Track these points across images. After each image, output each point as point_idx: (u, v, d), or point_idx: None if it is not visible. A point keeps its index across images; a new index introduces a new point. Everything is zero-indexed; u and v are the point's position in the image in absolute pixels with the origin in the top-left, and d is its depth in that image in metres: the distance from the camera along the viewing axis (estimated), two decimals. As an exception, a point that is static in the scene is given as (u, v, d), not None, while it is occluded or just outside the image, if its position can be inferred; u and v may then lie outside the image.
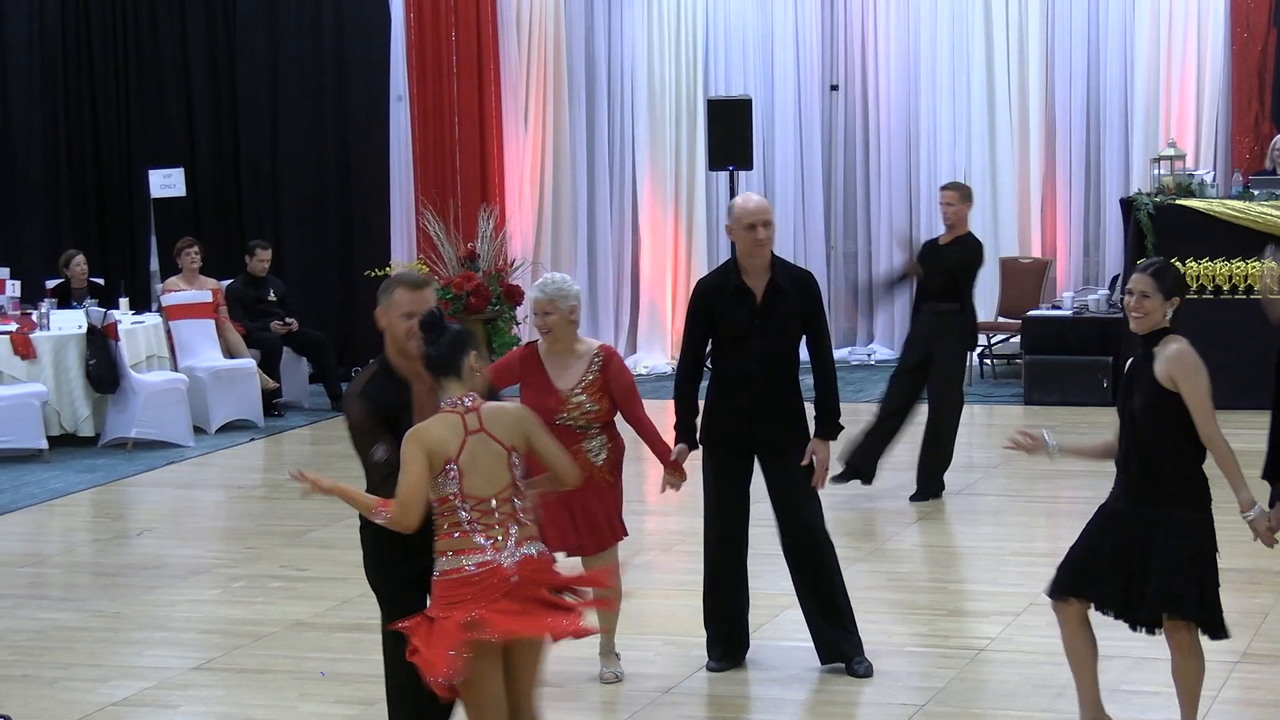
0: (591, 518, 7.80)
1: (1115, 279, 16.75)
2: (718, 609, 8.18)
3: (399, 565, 6.06)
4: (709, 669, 8.13)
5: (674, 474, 7.97)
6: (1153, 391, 6.55)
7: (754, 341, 7.90)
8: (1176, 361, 6.54)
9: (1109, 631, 7.98)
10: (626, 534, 8.02)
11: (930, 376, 11.90)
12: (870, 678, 7.95)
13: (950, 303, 11.80)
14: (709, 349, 8.14)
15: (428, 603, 5.91)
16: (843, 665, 8.07)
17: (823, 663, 8.12)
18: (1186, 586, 6.57)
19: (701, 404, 8.11)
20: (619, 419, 7.91)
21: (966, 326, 11.97)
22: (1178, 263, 15.15)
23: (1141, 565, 6.61)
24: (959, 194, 12.08)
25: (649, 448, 8.04)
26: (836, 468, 10.63)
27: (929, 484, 11.95)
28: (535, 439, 6.03)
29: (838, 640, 8.10)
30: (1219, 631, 6.68)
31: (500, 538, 5.82)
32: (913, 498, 11.92)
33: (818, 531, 8.06)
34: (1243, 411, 11.39)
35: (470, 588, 5.75)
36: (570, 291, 7.86)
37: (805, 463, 7.96)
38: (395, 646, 5.95)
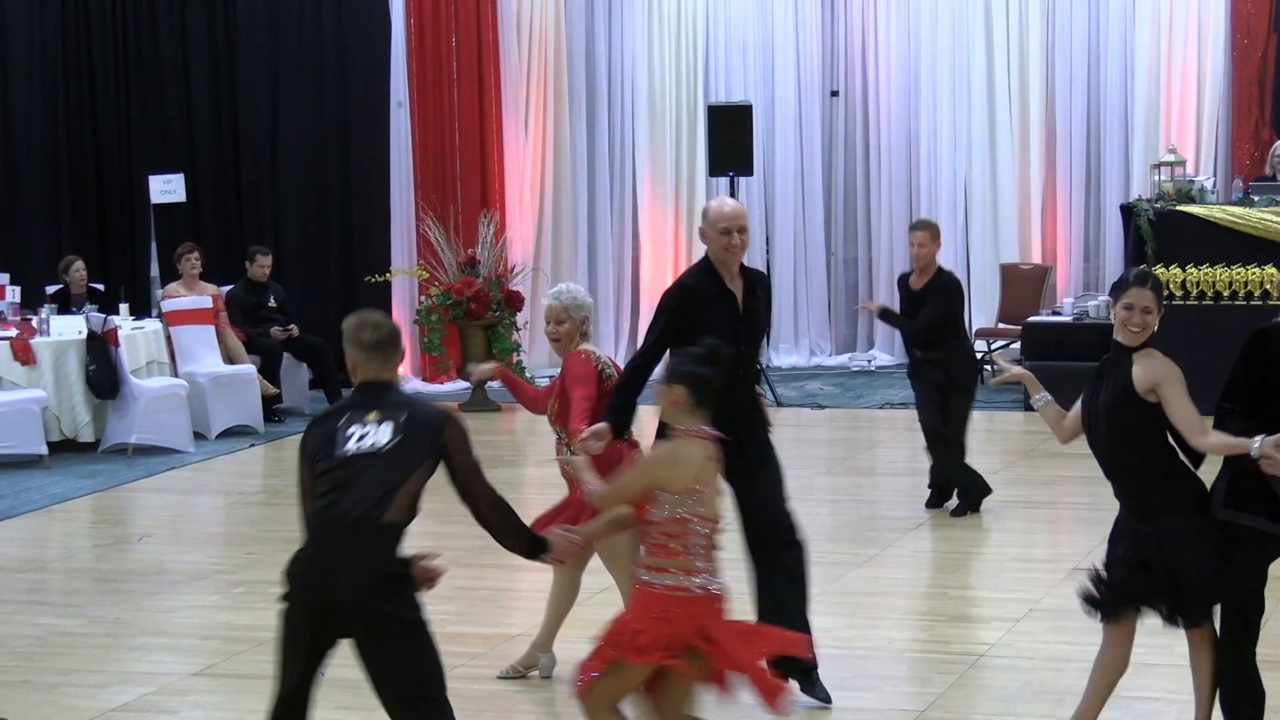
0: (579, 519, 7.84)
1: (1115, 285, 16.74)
2: None
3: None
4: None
5: (581, 443, 7.38)
6: (1121, 394, 6.54)
7: (740, 347, 7.61)
8: (1159, 369, 6.50)
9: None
10: None
11: (952, 405, 11.66)
12: (828, 703, 7.74)
13: (940, 350, 11.51)
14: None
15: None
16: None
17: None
18: (1202, 595, 6.58)
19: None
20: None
21: (967, 368, 11.83)
22: (1178, 269, 15.26)
23: (1159, 573, 6.58)
24: (929, 234, 11.62)
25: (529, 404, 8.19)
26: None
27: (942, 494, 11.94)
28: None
29: (793, 659, 7.68)
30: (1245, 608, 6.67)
31: (715, 563, 6.13)
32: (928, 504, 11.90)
33: (788, 536, 7.86)
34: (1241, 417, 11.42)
35: (693, 607, 6.01)
36: (585, 303, 7.94)
37: None
38: None
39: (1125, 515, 6.71)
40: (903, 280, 11.90)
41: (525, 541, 6.08)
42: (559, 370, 8.01)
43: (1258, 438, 6.29)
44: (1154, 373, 6.48)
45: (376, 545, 5.80)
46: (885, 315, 12.28)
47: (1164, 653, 8.36)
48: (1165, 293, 15.19)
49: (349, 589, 5.74)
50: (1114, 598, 6.74)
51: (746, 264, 7.90)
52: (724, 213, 7.74)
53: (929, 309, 11.47)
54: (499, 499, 5.95)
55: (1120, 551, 6.71)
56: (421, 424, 5.86)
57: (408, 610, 5.83)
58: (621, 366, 7.90)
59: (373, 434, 5.82)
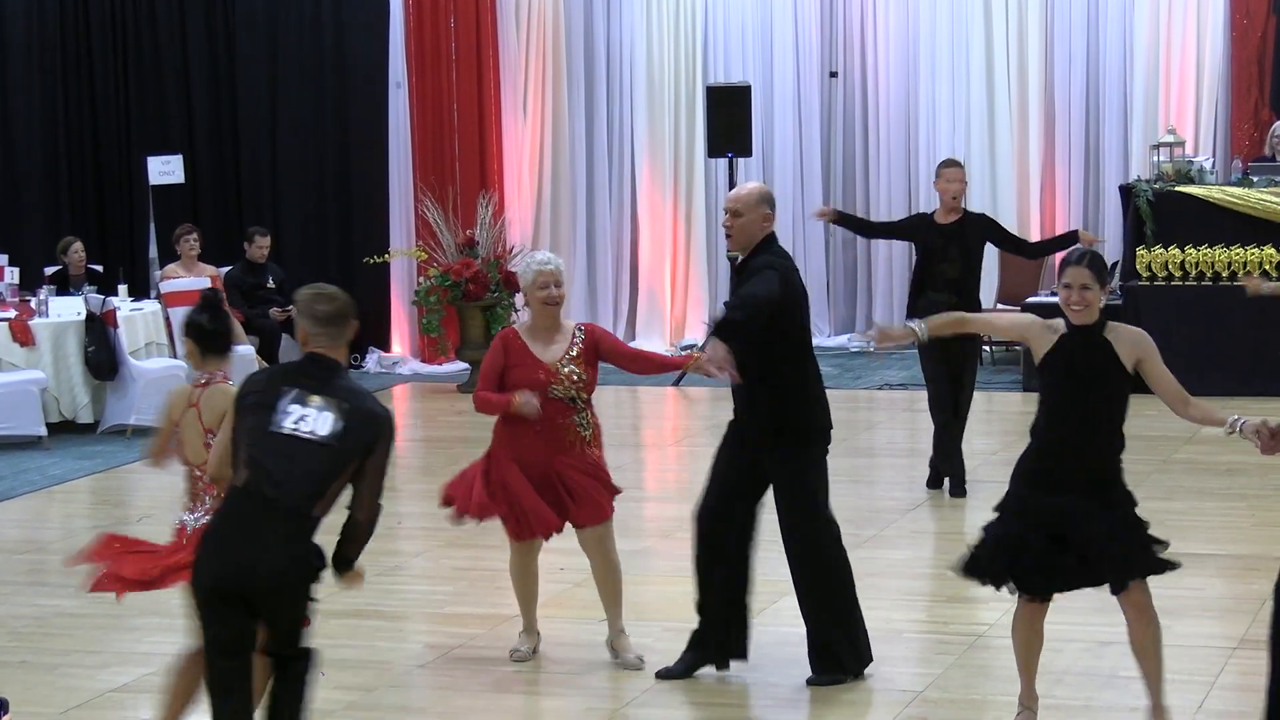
0: (585, 491, 7.92)
1: (1115, 265, 16.73)
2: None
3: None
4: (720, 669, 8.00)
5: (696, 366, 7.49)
6: (1114, 379, 6.67)
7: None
8: (1143, 342, 6.69)
9: (1107, 617, 8.00)
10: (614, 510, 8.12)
11: (963, 372, 11.66)
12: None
13: (957, 295, 11.40)
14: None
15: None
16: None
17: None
18: (1133, 551, 6.72)
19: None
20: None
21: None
22: (1177, 249, 15.25)
23: (1083, 540, 6.68)
24: (964, 171, 11.84)
25: (659, 366, 8.39)
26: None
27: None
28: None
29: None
30: (1167, 565, 6.81)
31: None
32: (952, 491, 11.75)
33: (808, 527, 7.84)
34: (1241, 398, 11.44)
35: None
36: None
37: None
38: None
39: (1052, 497, 6.69)
40: (925, 219, 11.90)
41: (354, 556, 6.14)
42: (526, 356, 8.00)
43: (1233, 415, 6.38)
44: (1138, 348, 6.66)
45: (301, 537, 5.88)
46: (842, 220, 12.42)
47: (1163, 633, 8.38)
48: (1163, 273, 15.31)
49: (267, 578, 5.85)
50: (1034, 576, 6.80)
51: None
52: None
53: (973, 236, 11.54)
54: (378, 509, 6.04)
55: (1039, 535, 6.71)
56: (363, 420, 5.93)
57: (310, 594, 6.01)
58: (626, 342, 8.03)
59: (313, 419, 5.87)
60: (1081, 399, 6.69)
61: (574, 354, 7.92)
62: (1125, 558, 6.72)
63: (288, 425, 5.86)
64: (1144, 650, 6.88)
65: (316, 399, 5.90)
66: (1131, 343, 6.69)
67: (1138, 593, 6.80)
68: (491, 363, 7.99)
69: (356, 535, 6.07)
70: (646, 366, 8.34)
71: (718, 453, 7.86)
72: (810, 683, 7.77)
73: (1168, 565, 6.81)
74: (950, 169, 11.79)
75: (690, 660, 7.91)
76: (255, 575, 5.82)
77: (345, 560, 6.12)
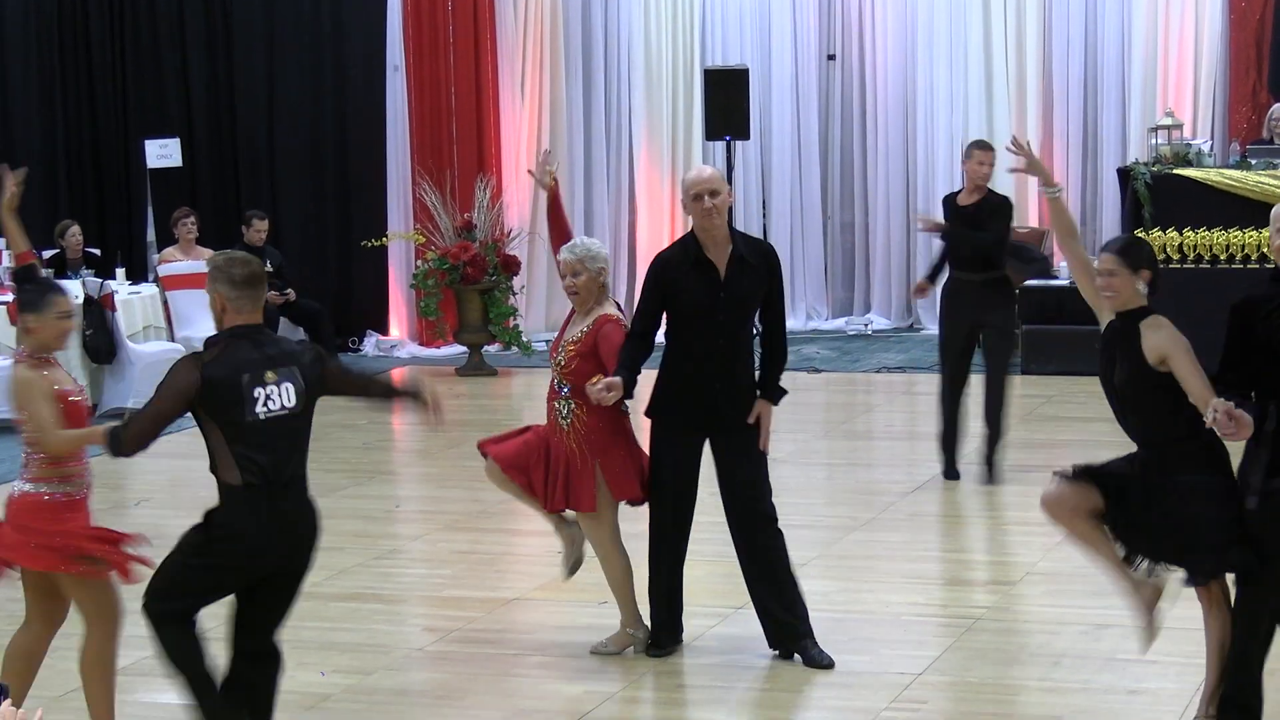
0: (554, 477, 7.84)
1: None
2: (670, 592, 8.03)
3: None
4: (651, 654, 7.95)
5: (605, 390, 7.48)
6: (1138, 367, 6.46)
7: (719, 316, 7.62)
8: (1169, 343, 6.42)
9: (1106, 600, 8.01)
10: (594, 509, 7.91)
11: (993, 349, 11.56)
12: (832, 668, 7.73)
13: (993, 270, 11.36)
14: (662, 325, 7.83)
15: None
16: (796, 656, 7.83)
17: (773, 648, 7.90)
18: (1207, 551, 6.44)
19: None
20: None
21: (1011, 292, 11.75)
22: (1175, 232, 15.24)
23: (1160, 523, 6.49)
24: (992, 154, 11.57)
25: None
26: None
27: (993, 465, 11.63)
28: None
29: (790, 627, 7.83)
30: (1251, 565, 6.41)
31: None
32: (985, 480, 11.54)
33: (771, 513, 7.83)
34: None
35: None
36: (600, 254, 7.95)
37: (751, 420, 7.71)
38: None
39: (1141, 472, 6.56)
40: (948, 200, 11.80)
41: (395, 392, 6.81)
42: (564, 328, 8.02)
43: (1212, 406, 6.12)
44: (1162, 346, 6.41)
45: (305, 500, 6.24)
46: (941, 230, 11.86)
47: (1161, 615, 8.39)
48: (1161, 256, 15.30)
49: (302, 551, 6.24)
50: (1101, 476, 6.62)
51: (755, 236, 7.89)
52: (691, 178, 7.75)
53: (995, 226, 11.41)
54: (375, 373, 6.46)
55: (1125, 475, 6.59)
56: (308, 372, 6.19)
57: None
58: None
59: (277, 395, 6.09)
60: (1119, 392, 6.56)
61: (577, 339, 7.86)
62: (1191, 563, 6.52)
63: (260, 411, 6.06)
64: (1211, 634, 6.66)
65: (270, 375, 6.08)
66: (1154, 339, 6.44)
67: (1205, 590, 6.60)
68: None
69: (382, 392, 6.83)
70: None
71: (668, 455, 7.96)
72: (820, 662, 7.76)
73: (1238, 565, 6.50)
74: (979, 150, 11.66)
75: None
76: (301, 551, 6.24)
77: (390, 394, 6.87)
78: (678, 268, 7.69)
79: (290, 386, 6.10)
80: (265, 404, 6.04)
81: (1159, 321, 6.51)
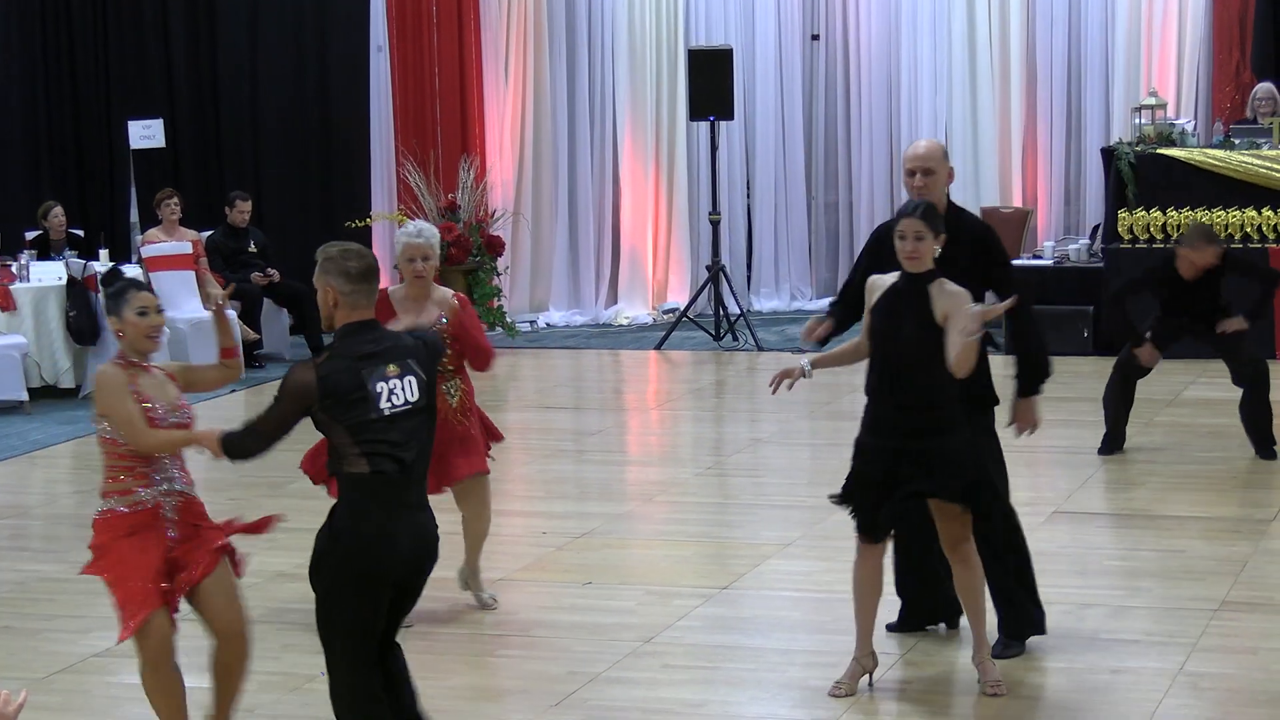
0: (441, 453, 7.83)
1: (1096, 228, 16.77)
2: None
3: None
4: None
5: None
6: (924, 326, 6.85)
7: None
8: (953, 301, 6.80)
9: (1089, 580, 8.03)
10: (488, 471, 8.38)
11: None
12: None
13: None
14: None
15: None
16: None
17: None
18: (954, 475, 6.94)
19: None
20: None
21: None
22: (1159, 212, 15.27)
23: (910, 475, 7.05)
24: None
25: (483, 364, 8.27)
26: None
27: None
28: None
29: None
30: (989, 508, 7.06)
31: None
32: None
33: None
34: (1219, 359, 11.43)
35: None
36: (439, 241, 8.35)
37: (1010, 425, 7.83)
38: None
39: (878, 439, 7.26)
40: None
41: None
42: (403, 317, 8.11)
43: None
44: (947, 303, 6.82)
45: (425, 499, 5.89)
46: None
47: (1144, 595, 8.41)
48: (1145, 236, 15.33)
49: (432, 547, 5.86)
50: (875, 516, 7.30)
51: (972, 214, 7.97)
52: (907, 153, 7.68)
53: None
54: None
55: (868, 474, 7.29)
56: (429, 364, 5.86)
57: None
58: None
59: (400, 389, 5.71)
60: (903, 345, 6.97)
61: (443, 323, 8.05)
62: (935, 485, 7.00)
63: (385, 406, 5.68)
64: (960, 590, 7.20)
65: (392, 368, 5.72)
66: (942, 298, 6.84)
67: (952, 523, 7.04)
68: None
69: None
70: (476, 360, 8.25)
71: None
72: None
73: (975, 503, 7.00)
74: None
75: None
76: (431, 551, 5.84)
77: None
78: (887, 241, 7.43)
79: (413, 380, 5.73)
80: (389, 398, 5.68)
81: (943, 282, 6.92)
